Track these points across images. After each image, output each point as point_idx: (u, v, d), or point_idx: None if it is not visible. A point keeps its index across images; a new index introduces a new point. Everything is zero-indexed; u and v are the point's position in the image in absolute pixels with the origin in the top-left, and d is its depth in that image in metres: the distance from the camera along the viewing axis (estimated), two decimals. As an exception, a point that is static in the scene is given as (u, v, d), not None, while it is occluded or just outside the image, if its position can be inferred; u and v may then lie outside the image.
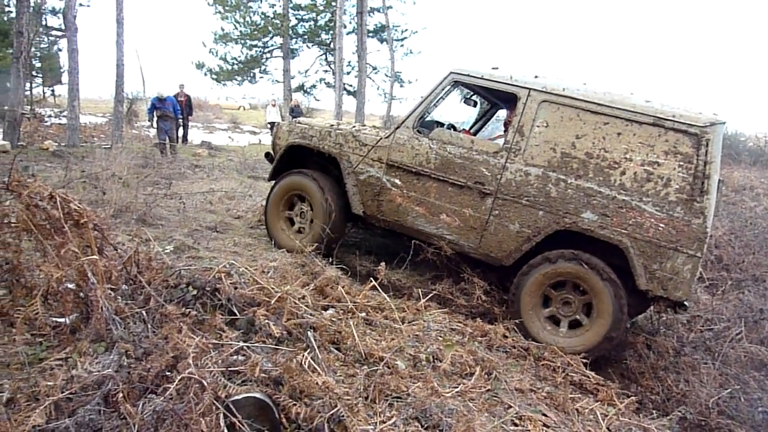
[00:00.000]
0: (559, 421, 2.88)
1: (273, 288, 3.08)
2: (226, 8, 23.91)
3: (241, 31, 24.32)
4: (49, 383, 2.01)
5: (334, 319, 3.22)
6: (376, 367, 2.81)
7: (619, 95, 4.02)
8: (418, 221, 4.62)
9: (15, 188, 2.61)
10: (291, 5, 23.74)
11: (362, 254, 5.40)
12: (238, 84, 25.66)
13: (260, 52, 25.00)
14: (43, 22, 18.99)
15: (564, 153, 4.07)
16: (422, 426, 2.43)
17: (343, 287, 3.85)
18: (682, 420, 3.33)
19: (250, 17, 24.09)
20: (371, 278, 3.82)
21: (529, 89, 4.23)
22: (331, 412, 2.20)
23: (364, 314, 3.61)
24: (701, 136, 3.71)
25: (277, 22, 23.50)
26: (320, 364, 2.51)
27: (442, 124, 5.26)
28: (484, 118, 6.23)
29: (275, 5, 24.37)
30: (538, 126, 4.17)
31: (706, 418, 3.42)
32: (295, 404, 2.17)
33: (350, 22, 23.65)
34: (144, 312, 2.70)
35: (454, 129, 5.30)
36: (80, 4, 15.11)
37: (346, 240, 5.83)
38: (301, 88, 26.69)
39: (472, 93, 5.57)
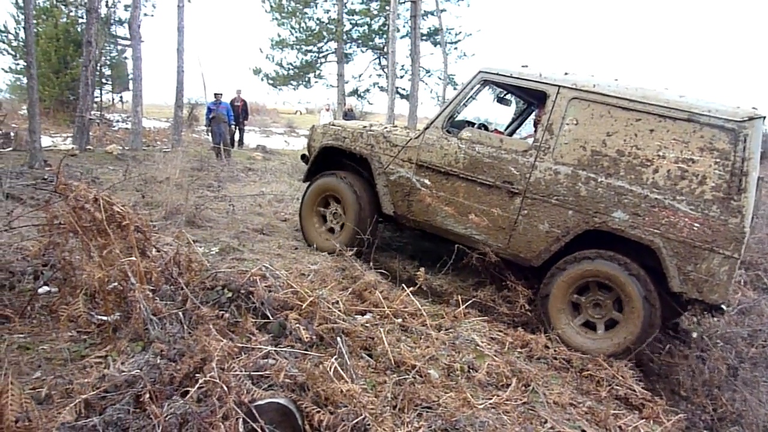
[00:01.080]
0: (600, 438, 2.74)
1: (306, 292, 3.09)
2: (283, 15, 24.41)
3: (296, 37, 24.76)
4: (82, 381, 2.07)
5: (367, 324, 3.20)
6: (406, 376, 2.77)
7: (652, 91, 3.88)
8: (447, 221, 4.59)
9: (62, 191, 2.73)
10: (345, 10, 23.98)
11: (404, 258, 5.37)
12: (294, 89, 26.11)
13: (315, 57, 25.36)
14: (112, 32, 20.01)
15: (594, 151, 3.98)
16: (450, 438, 2.37)
17: (381, 292, 3.84)
18: (736, 442, 3.12)
19: (306, 23, 24.50)
20: (405, 285, 3.78)
21: (559, 86, 4.15)
22: (356, 421, 2.17)
23: (400, 320, 3.58)
24: (739, 132, 3.55)
25: (332, 27, 23.80)
26: (348, 370, 2.49)
27: (473, 124, 5.18)
28: (520, 118, 6.13)
29: (330, 11, 24.69)
30: (567, 124, 4.09)
31: (764, 441, 3.18)
32: (318, 411, 2.15)
33: (404, 26, 23.63)
34: (181, 313, 2.77)
35: (486, 129, 5.21)
36: (145, 14, 15.84)
37: (389, 244, 5.81)
38: (354, 92, 26.90)
39: (505, 92, 5.48)
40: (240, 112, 15.26)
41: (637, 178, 3.82)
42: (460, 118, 5.07)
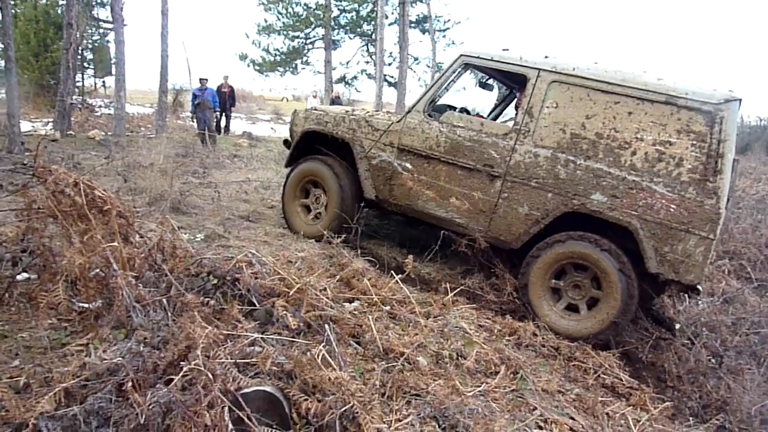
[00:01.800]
0: (588, 425, 2.74)
1: (293, 279, 3.04)
2: (270, 0, 24.10)
3: (283, 23, 24.47)
4: (62, 369, 2.01)
5: (355, 312, 3.16)
6: (395, 363, 2.74)
7: (631, 73, 3.92)
8: (428, 205, 4.61)
9: (40, 174, 2.64)
10: (333, -4, 23.75)
11: (392, 246, 5.33)
12: (281, 75, 25.87)
13: (302, 43, 25.11)
14: (94, 15, 19.58)
15: (573, 134, 4.01)
16: (439, 426, 2.34)
17: (369, 280, 3.80)
18: (720, 428, 3.15)
19: (293, 8, 24.21)
20: (394, 272, 3.75)
21: (539, 69, 4.16)
22: (344, 409, 2.14)
23: (388, 308, 3.54)
24: (715, 114, 3.59)
25: (320, 13, 23.52)
26: (336, 357, 2.45)
27: (455, 108, 5.16)
28: (503, 104, 6.13)
29: (318, -4, 24.41)
30: (547, 107, 4.11)
31: (748, 427, 3.21)
32: (306, 399, 2.11)
33: (392, 13, 23.44)
34: (165, 300, 2.70)
35: (468, 113, 5.22)
36: (128, -3, 15.47)
37: (377, 232, 5.77)
38: (342, 79, 26.71)
39: (487, 77, 5.49)
40: (226, 99, 15.08)
41: (616, 160, 3.86)
42: (442, 102, 5.05)
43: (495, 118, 5.83)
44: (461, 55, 4.57)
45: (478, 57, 4.49)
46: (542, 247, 4.05)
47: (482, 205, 4.34)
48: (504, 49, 4.43)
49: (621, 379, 3.41)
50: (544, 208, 4.07)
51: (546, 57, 4.20)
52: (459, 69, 4.60)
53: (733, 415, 3.28)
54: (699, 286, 3.75)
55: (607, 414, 2.91)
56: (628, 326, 4.26)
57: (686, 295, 4.00)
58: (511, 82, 5.54)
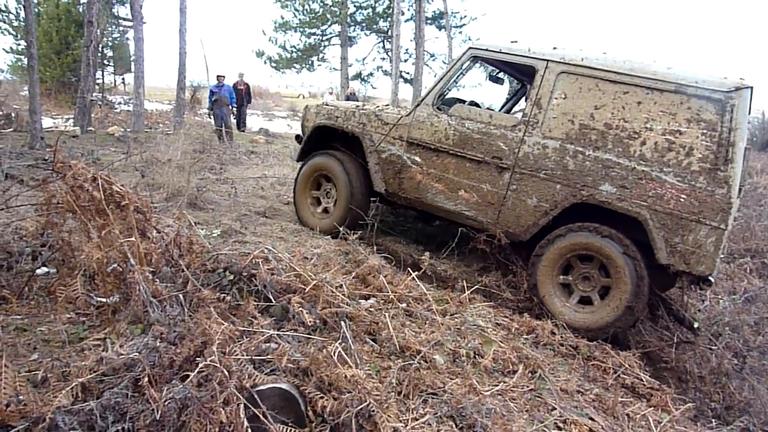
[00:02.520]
0: (607, 426, 2.68)
1: (309, 275, 3.02)
2: (287, -4, 24.15)
3: (300, 20, 24.52)
4: (79, 364, 2.02)
5: (371, 309, 3.14)
6: (411, 361, 2.71)
7: (640, 63, 3.87)
8: (437, 198, 4.60)
9: (60, 169, 2.65)
10: (350, -8, 23.72)
11: (409, 243, 5.30)
12: (297, 72, 25.96)
13: (318, 40, 25.13)
14: (114, 13, 19.79)
15: (582, 125, 3.97)
16: (456, 425, 2.31)
17: (385, 276, 3.77)
18: (744, 430, 3.07)
19: (309, 5, 24.23)
20: (411, 269, 3.72)
21: (547, 61, 4.13)
22: (360, 407, 2.11)
23: (404, 305, 3.51)
24: (726, 102, 3.53)
25: (336, 9, 23.53)
26: (352, 355, 2.43)
27: (464, 102, 5.14)
28: (514, 98, 6.08)
29: (334, -7, 24.41)
30: (556, 98, 4.08)
31: (774, 430, 3.13)
32: (322, 397, 2.09)
33: (408, 9, 23.40)
34: (181, 295, 2.71)
35: (478, 107, 5.17)
36: (147, -6, 15.59)
37: (393, 228, 5.75)
38: (358, 76, 26.68)
39: (497, 70, 5.45)
40: (243, 96, 15.13)
41: (625, 150, 3.82)
42: (452, 96, 5.05)
43: (507, 112, 5.77)
44: (470, 48, 4.57)
45: (486, 49, 4.48)
46: (544, 244, 4.02)
47: (491, 198, 4.32)
48: (513, 41, 4.41)
49: (641, 380, 3.34)
50: (553, 200, 4.03)
51: (554, 48, 4.17)
52: (468, 62, 4.60)
53: (757, 417, 3.21)
54: (711, 278, 3.67)
55: (628, 415, 2.85)
56: (647, 323, 4.19)
57: (698, 288, 3.92)
58: (521, 75, 5.49)
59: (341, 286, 3.19)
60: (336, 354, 2.34)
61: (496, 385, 2.76)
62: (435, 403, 2.43)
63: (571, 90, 4.02)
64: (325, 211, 5.27)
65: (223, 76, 13.14)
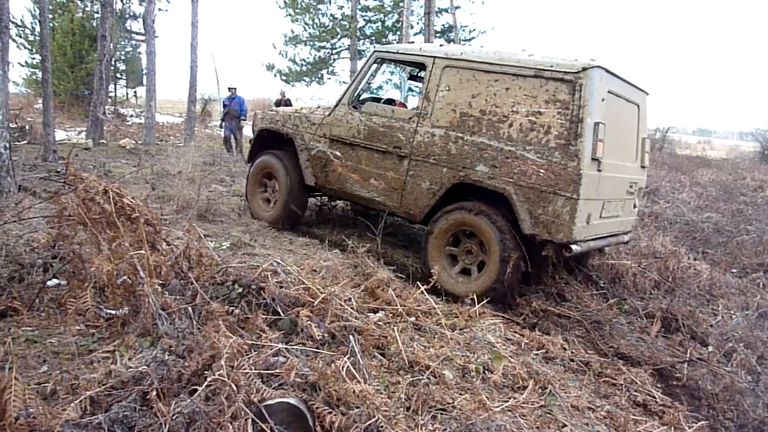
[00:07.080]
0: (620, 445, 2.64)
1: (318, 288, 3.01)
2: (297, 11, 24.36)
3: (310, 33, 24.70)
4: (88, 376, 2.02)
5: (380, 323, 3.12)
6: (420, 376, 2.69)
7: (507, 53, 4.30)
8: (354, 187, 5.12)
9: (71, 182, 2.68)
10: (359, 7, 23.86)
11: (417, 255, 5.27)
12: (307, 85, 26.08)
13: (328, 53, 25.30)
14: (127, 27, 20.09)
15: (462, 113, 4.40)
16: (466, 442, 2.28)
17: (394, 290, 3.75)
18: (760, 451, 3.00)
19: (319, 19, 24.44)
20: (420, 283, 3.70)
21: (434, 57, 4.63)
22: (368, 423, 2.10)
23: (413, 319, 3.49)
24: (575, 82, 3.87)
25: (345, 23, 23.70)
26: (360, 370, 2.41)
27: (378, 101, 5.61)
28: None
29: (343, 7, 24.60)
30: (441, 90, 4.54)
31: (790, 450, 3.06)
32: (330, 412, 2.08)
33: (417, 23, 23.50)
34: (190, 308, 2.70)
35: (393, 104, 5.66)
36: (159, 9, 15.85)
37: (402, 240, 5.74)
38: (368, 88, 26.81)
39: (417, 70, 5.99)
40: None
41: (496, 133, 4.21)
42: (368, 96, 5.66)
43: None
44: (375, 51, 5.18)
45: (387, 51, 5.11)
46: (435, 219, 4.45)
47: (395, 184, 4.81)
48: (410, 42, 4.78)
49: (653, 397, 3.28)
50: (440, 182, 4.47)
51: (441, 45, 4.64)
52: (374, 63, 5.16)
53: (773, 436, 3.14)
54: (572, 246, 3.93)
55: (640, 433, 2.80)
56: (659, 339, 4.13)
57: (561, 255, 4.12)
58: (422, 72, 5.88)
59: (350, 299, 3.18)
60: (344, 369, 2.32)
61: (506, 401, 2.73)
62: (444, 419, 2.41)
63: (453, 82, 4.47)
64: (269, 202, 5.88)
65: (235, 88, 13.23)
